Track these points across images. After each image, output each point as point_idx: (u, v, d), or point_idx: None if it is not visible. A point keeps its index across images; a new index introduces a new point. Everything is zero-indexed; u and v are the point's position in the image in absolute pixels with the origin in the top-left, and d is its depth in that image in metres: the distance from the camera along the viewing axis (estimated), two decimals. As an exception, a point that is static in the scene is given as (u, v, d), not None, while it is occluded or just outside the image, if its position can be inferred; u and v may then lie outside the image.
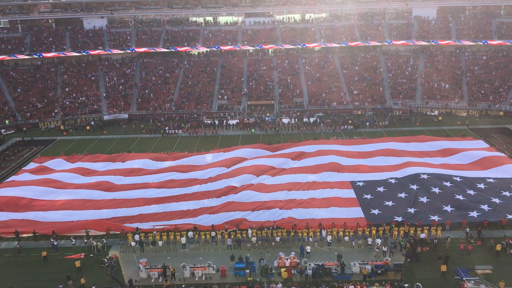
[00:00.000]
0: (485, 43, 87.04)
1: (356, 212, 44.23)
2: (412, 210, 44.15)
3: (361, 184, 49.56)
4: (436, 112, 76.79)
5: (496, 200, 44.87)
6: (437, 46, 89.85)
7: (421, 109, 78.47)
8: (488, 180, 49.18)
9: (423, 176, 49.73)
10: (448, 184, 48.10)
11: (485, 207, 43.84)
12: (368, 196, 46.86)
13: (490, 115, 75.33)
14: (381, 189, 48.24)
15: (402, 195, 46.90)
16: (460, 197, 45.50)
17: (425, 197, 45.93)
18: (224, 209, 45.57)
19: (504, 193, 46.33)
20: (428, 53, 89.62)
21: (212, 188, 50.31)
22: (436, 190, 46.92)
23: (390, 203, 45.47)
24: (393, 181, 49.85)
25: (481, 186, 47.83)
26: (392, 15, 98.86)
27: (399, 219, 42.69)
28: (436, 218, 42.50)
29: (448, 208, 44.05)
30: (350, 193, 47.67)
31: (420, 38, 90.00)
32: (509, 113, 74.49)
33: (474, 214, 43.04)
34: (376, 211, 44.15)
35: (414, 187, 48.14)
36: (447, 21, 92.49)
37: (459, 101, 78.58)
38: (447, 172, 51.02)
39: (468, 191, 46.72)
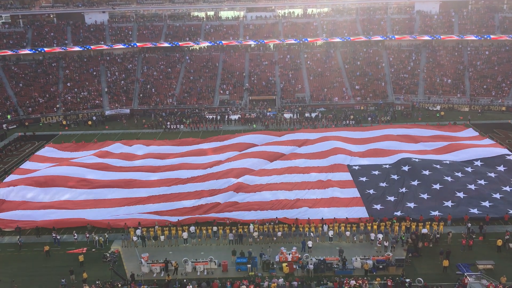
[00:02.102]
0: (488, 38, 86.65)
1: (353, 193, 47.20)
2: (403, 190, 47.27)
3: (357, 168, 52.71)
4: (438, 107, 76.63)
5: (482, 182, 47.76)
6: (439, 41, 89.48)
7: (423, 104, 78.30)
8: (476, 163, 52.14)
9: (414, 159, 52.77)
10: (438, 166, 50.82)
11: (471, 186, 46.89)
12: (364, 179, 50.00)
13: (492, 110, 75.11)
14: (375, 172, 51.47)
15: (395, 177, 50.14)
16: (449, 178, 48.22)
17: (416, 180, 48.68)
18: (237, 190, 48.44)
19: (490, 174, 49.22)
20: (431, 48, 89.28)
21: (227, 168, 53.38)
22: (426, 172, 49.59)
23: (384, 184, 48.75)
24: (387, 166, 52.96)
25: (469, 169, 50.50)
26: (395, 10, 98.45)
27: (392, 198, 45.83)
28: (425, 196, 45.77)
29: (437, 186, 47.01)
30: (347, 176, 50.85)
31: (422, 32, 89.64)
32: (511, 108, 74.29)
33: (460, 194, 45.50)
34: (371, 191, 47.35)
35: (406, 168, 51.26)
36: (450, 15, 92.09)
37: (461, 96, 78.36)
38: (437, 157, 53.95)
39: (456, 174, 49.41)
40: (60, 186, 50.30)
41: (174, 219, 43.52)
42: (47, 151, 61.72)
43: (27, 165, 57.18)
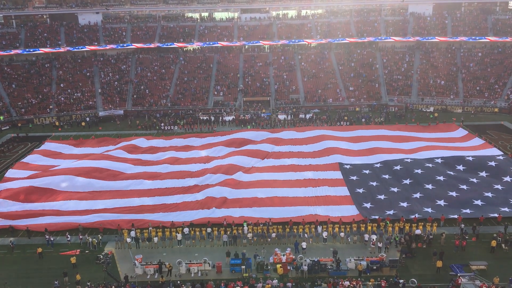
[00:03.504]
0: (481, 40, 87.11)
1: (342, 191, 47.42)
2: (395, 190, 47.35)
3: (348, 166, 52.86)
4: (431, 109, 76.98)
5: (474, 180, 48.66)
6: (433, 42, 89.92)
7: (417, 106, 78.63)
8: (467, 158, 53.24)
9: (406, 160, 53.06)
10: (430, 165, 51.55)
11: (463, 186, 47.20)
12: (354, 178, 50.55)
13: (485, 112, 75.56)
14: (366, 171, 51.91)
15: (386, 176, 50.26)
16: (441, 178, 49.23)
17: (408, 179, 49.40)
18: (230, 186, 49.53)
19: (481, 173, 50.15)
20: (424, 49, 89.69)
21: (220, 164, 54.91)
22: (419, 171, 50.27)
23: (374, 183, 49.19)
24: (378, 165, 53.12)
25: (460, 167, 51.73)
26: (388, 12, 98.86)
27: (382, 197, 46.25)
28: (418, 195, 46.29)
29: (430, 186, 47.80)
30: (337, 175, 51.38)
31: (416, 34, 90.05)
32: (504, 110, 74.73)
33: (453, 194, 46.05)
34: (361, 190, 47.81)
35: (398, 167, 51.61)
36: (443, 17, 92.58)
37: (454, 98, 78.77)
38: (428, 155, 54.43)
39: (449, 172, 50.15)
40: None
41: (168, 217, 43.73)
42: (53, 146, 62.81)
43: (29, 158, 58.52)
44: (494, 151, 55.54)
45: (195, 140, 64.22)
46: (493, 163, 51.48)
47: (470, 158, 52.88)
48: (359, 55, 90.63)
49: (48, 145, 63.32)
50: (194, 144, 62.65)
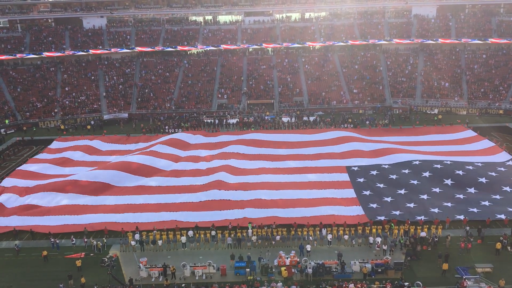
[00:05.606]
0: (485, 41, 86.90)
1: (349, 193, 47.30)
2: (402, 192, 47.04)
3: (355, 168, 52.97)
4: (436, 111, 76.79)
5: (483, 180, 48.07)
6: (436, 44, 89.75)
7: (421, 108, 78.45)
8: (476, 163, 52.23)
9: (415, 162, 52.96)
10: (438, 166, 50.94)
11: (471, 190, 46.73)
12: (361, 180, 50.37)
13: (490, 114, 75.28)
14: (374, 172, 51.79)
15: (394, 177, 50.18)
16: (449, 181, 48.68)
17: (416, 180, 48.90)
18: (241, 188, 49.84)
19: (491, 173, 49.46)
20: (428, 51, 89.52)
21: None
22: (427, 174, 49.93)
23: (381, 185, 48.91)
24: (386, 166, 52.86)
25: (470, 167, 50.91)
26: (392, 14, 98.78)
27: (388, 199, 45.81)
28: (425, 197, 45.95)
29: (437, 190, 47.30)
30: (344, 177, 51.37)
31: (419, 36, 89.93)
32: (509, 112, 74.41)
33: (460, 196, 45.64)
34: (367, 192, 47.67)
35: (406, 171, 51.09)
36: (447, 19, 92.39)
37: (459, 100, 78.55)
38: (438, 158, 53.98)
39: (457, 172, 49.56)
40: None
41: (175, 216, 44.21)
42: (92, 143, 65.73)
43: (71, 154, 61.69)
44: (503, 156, 54.77)
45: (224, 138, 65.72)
46: (502, 168, 50.87)
47: (480, 164, 52.02)
48: (363, 57, 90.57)
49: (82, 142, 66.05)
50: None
